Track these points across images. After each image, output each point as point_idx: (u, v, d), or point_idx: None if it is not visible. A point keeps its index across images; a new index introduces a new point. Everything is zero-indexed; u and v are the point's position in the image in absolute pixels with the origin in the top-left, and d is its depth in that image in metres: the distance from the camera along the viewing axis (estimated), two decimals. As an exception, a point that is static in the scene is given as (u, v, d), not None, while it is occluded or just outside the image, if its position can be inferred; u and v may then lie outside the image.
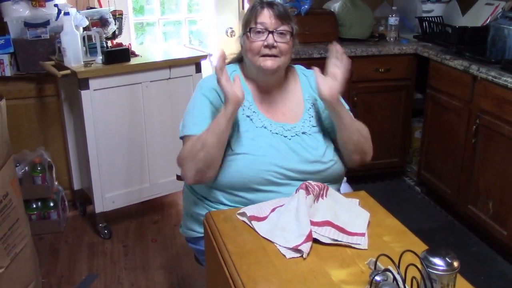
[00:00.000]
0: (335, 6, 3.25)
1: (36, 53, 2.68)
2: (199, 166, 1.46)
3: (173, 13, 3.64)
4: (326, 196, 1.37)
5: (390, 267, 1.02)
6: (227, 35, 3.45)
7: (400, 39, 3.29)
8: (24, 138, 2.81)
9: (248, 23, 1.55)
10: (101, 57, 2.54)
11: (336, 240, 1.25)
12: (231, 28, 3.44)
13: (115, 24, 2.77)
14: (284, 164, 1.50)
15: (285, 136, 1.54)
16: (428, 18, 3.24)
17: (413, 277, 1.00)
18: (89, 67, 2.49)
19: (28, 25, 2.63)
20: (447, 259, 0.99)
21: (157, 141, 2.78)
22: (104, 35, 2.69)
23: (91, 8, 2.85)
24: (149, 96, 2.69)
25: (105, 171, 2.64)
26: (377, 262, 1.08)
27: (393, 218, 1.41)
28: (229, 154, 1.50)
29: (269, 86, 1.61)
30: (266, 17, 1.53)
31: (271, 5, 1.54)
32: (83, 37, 2.57)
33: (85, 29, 2.64)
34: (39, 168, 2.68)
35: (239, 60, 1.68)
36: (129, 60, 2.61)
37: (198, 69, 2.81)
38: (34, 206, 2.74)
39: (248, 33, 1.54)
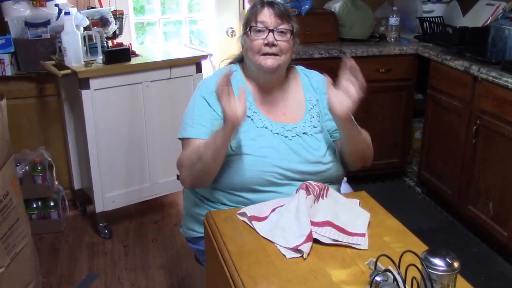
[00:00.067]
0: (336, 6, 3.25)
1: (37, 52, 2.68)
2: (196, 175, 1.47)
3: (174, 13, 3.64)
4: (326, 196, 1.37)
5: (391, 268, 1.02)
6: (228, 35, 3.45)
7: (401, 40, 3.29)
8: (25, 138, 2.81)
9: (249, 22, 1.55)
10: (101, 57, 2.54)
11: (337, 241, 1.25)
12: (231, 28, 3.44)
13: (115, 24, 2.77)
14: (285, 165, 1.49)
15: (286, 137, 1.54)
16: (428, 19, 3.24)
17: (413, 278, 1.00)
18: (89, 67, 2.49)
19: (28, 24, 2.64)
20: (447, 259, 0.99)
21: (158, 141, 2.78)
22: (104, 35, 2.70)
23: (92, 7, 2.85)
24: (150, 96, 2.69)
25: (106, 170, 2.64)
26: (378, 263, 1.08)
27: (394, 218, 1.41)
28: (230, 154, 1.49)
29: (270, 86, 1.61)
30: (267, 15, 1.53)
31: (271, 4, 1.55)
32: (84, 37, 2.57)
33: (85, 28, 2.64)
34: (39, 168, 2.68)
35: (239, 60, 1.68)
36: (129, 60, 2.61)
37: (199, 69, 2.81)
38: (35, 205, 2.75)
39: (249, 32, 1.54)
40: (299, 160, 1.52)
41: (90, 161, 2.58)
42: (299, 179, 1.49)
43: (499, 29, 2.60)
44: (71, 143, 2.85)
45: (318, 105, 1.64)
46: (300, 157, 1.52)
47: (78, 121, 2.73)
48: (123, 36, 2.93)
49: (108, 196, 2.68)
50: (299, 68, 1.72)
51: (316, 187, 1.35)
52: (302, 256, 1.20)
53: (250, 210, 1.37)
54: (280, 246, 1.24)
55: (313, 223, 1.27)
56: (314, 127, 1.59)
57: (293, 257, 1.20)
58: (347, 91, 1.40)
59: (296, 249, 1.21)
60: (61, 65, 2.55)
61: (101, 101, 2.54)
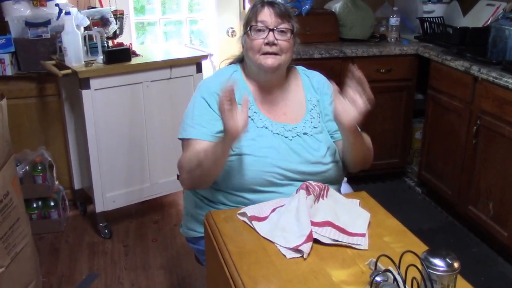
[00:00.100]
0: (336, 7, 3.25)
1: (37, 52, 2.68)
2: (195, 179, 1.48)
3: (174, 13, 3.64)
4: (326, 196, 1.37)
5: (391, 268, 1.02)
6: (228, 35, 3.45)
7: (401, 40, 3.29)
8: (25, 138, 2.81)
9: (249, 22, 1.55)
10: (102, 57, 2.54)
11: (337, 241, 1.25)
12: (232, 28, 3.44)
13: (116, 24, 2.77)
14: (285, 165, 1.49)
15: (286, 137, 1.54)
16: (429, 19, 3.24)
17: (414, 278, 1.00)
18: (90, 67, 2.49)
19: (29, 24, 2.64)
20: (447, 259, 0.99)
21: (158, 141, 2.78)
22: (105, 35, 2.70)
23: (92, 7, 2.85)
24: (150, 96, 2.69)
25: (106, 170, 2.64)
26: (378, 263, 1.08)
27: (394, 218, 1.41)
28: (230, 155, 1.49)
29: (270, 86, 1.61)
30: (267, 15, 1.53)
31: (271, 4, 1.55)
32: (84, 37, 2.57)
33: (86, 28, 2.65)
34: (39, 168, 2.68)
35: (240, 60, 1.68)
36: (130, 59, 2.61)
37: (199, 69, 2.81)
38: (35, 205, 2.75)
39: (249, 32, 1.54)
40: (299, 161, 1.52)
41: (90, 161, 2.58)
42: (299, 179, 1.49)
43: (500, 29, 2.60)
44: (71, 143, 2.85)
45: (319, 106, 1.64)
46: (301, 158, 1.52)
47: (78, 121, 2.74)
48: (124, 36, 2.93)
49: (108, 196, 2.68)
50: (300, 69, 1.72)
51: (316, 187, 1.35)
52: (302, 256, 1.20)
53: (250, 210, 1.37)
54: (280, 246, 1.24)
55: (313, 223, 1.27)
56: (315, 127, 1.59)
57: (293, 257, 1.20)
58: (354, 101, 1.40)
59: (296, 249, 1.21)
60: (61, 65, 2.55)
61: (101, 101, 2.54)
